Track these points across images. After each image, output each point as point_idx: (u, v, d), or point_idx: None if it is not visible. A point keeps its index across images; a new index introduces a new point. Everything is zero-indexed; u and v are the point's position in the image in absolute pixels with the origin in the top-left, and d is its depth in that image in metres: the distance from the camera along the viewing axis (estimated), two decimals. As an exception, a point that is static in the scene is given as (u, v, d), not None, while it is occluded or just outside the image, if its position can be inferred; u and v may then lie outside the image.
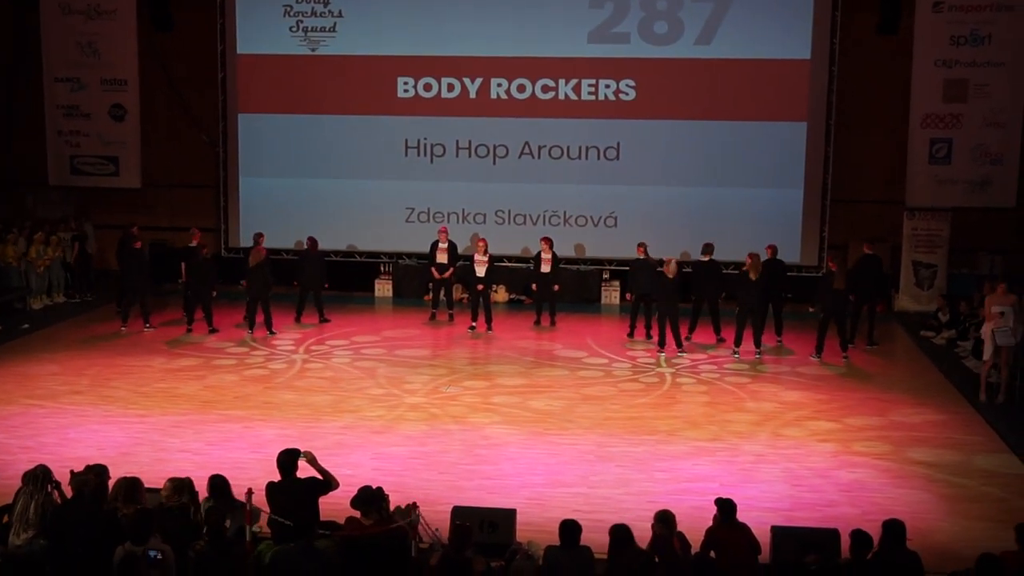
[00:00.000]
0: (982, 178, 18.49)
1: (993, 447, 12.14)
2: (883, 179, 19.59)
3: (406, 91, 19.93)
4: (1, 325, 16.95)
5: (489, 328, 17.33)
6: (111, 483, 8.59)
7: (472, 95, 19.83)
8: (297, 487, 8.58)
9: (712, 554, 8.27)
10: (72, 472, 8.73)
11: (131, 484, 8.43)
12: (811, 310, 15.96)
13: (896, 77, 19.00)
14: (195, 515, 8.42)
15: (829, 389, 14.31)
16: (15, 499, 8.67)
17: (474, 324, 17.43)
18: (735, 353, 15.94)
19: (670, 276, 15.91)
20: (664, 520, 8.16)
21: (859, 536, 7.82)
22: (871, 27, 19.03)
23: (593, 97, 19.56)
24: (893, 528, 7.84)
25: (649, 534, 8.18)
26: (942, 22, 18.20)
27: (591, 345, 16.52)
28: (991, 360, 13.89)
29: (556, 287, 17.76)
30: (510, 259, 19.38)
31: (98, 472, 8.59)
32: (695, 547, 8.29)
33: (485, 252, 17.53)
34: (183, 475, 8.79)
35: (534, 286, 17.79)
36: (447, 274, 18.02)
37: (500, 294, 19.35)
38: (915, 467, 11.42)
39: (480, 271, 17.47)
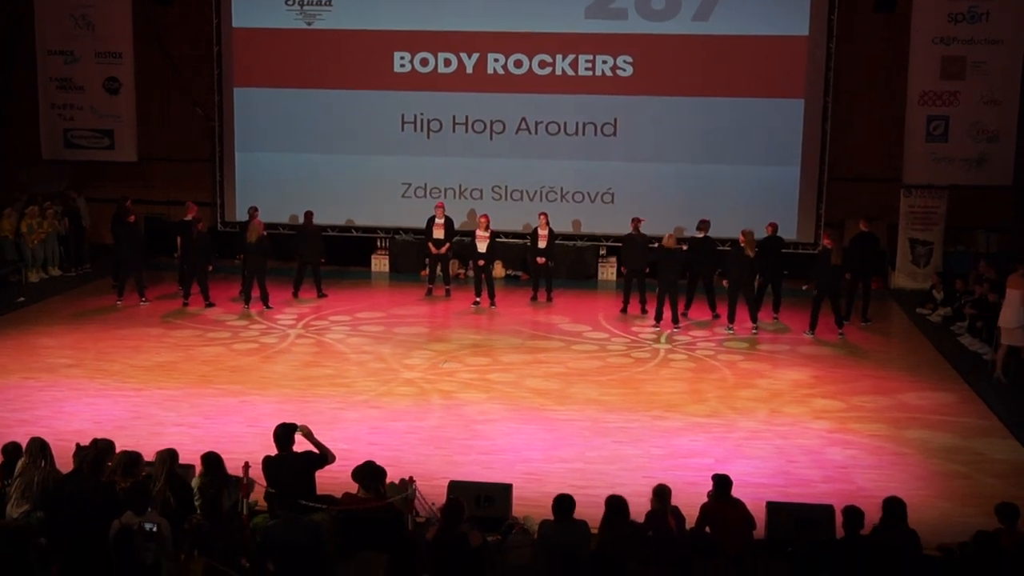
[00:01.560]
0: (979, 156, 18.48)
1: (988, 425, 12.17)
2: (880, 156, 19.55)
3: (403, 66, 19.86)
4: (-4, 299, 16.96)
5: (492, 303, 17.34)
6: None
7: (469, 70, 19.75)
8: (293, 461, 8.61)
9: (707, 529, 8.32)
10: (77, 445, 8.75)
11: (131, 458, 8.44)
12: (804, 288, 15.99)
13: (893, 54, 18.96)
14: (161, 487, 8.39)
15: (825, 366, 14.34)
16: (5, 472, 8.70)
17: (478, 300, 17.44)
18: (729, 328, 15.98)
19: (670, 248, 15.95)
20: (658, 495, 8.20)
21: (851, 512, 7.83)
22: (869, 4, 18.93)
23: (590, 73, 19.49)
24: (894, 506, 7.86)
25: (645, 508, 8.22)
26: (940, -1, 18.18)
27: (590, 320, 16.52)
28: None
29: (541, 260, 17.65)
30: (507, 235, 19.32)
31: (99, 446, 8.60)
32: (690, 522, 8.33)
33: (487, 228, 17.51)
34: (180, 448, 8.82)
35: (540, 260, 17.72)
36: (443, 249, 18.00)
37: (497, 269, 19.33)
38: (910, 445, 11.45)
39: (482, 247, 17.45)
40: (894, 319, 17.40)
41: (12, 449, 8.83)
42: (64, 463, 8.74)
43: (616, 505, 7.94)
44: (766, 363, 14.48)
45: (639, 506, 8.20)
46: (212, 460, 8.70)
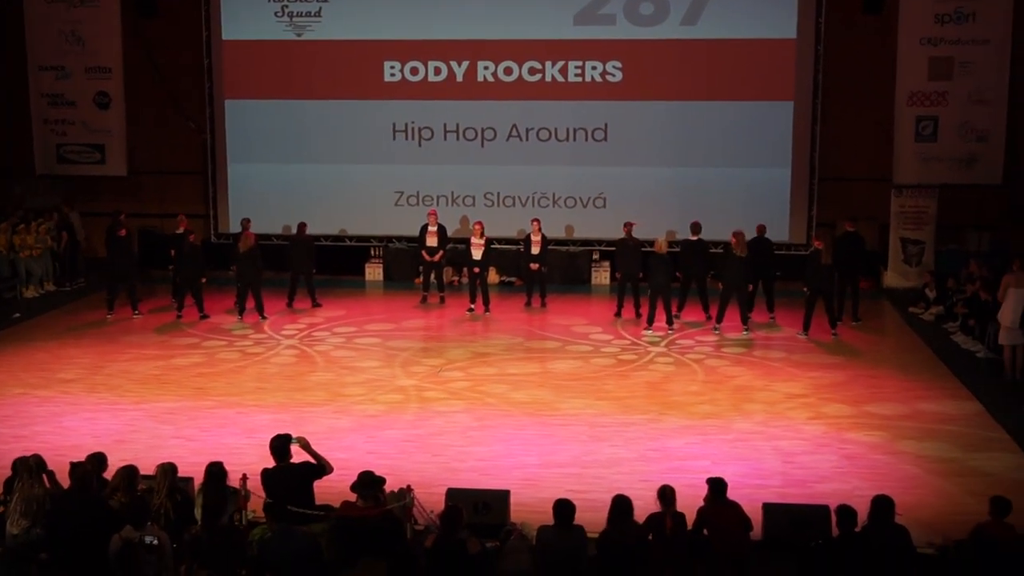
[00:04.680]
0: (968, 155, 18.56)
1: (982, 422, 12.24)
2: (870, 157, 19.64)
3: (393, 75, 19.91)
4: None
5: (487, 310, 17.39)
6: (111, 471, 8.67)
7: (459, 78, 19.82)
8: (292, 472, 8.64)
9: (705, 532, 8.36)
10: (72, 463, 8.78)
11: (129, 472, 8.49)
12: (805, 290, 16.01)
13: (882, 55, 19.03)
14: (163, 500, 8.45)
15: (819, 367, 14.38)
16: (6, 488, 8.74)
17: (472, 306, 17.49)
18: (716, 329, 16.06)
19: (661, 252, 16.02)
20: (661, 496, 8.27)
21: (844, 511, 7.92)
22: (856, 6, 19.05)
23: (580, 79, 19.57)
24: (881, 503, 7.93)
25: (643, 512, 8.27)
26: (927, 0, 18.24)
27: (585, 325, 16.57)
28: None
29: (535, 266, 17.68)
30: (500, 241, 19.37)
31: (95, 461, 8.66)
32: (688, 525, 8.37)
33: (482, 235, 17.57)
34: (178, 461, 8.86)
35: (534, 266, 17.76)
36: (437, 257, 18.05)
37: (491, 276, 19.34)
38: (905, 443, 11.51)
39: (477, 254, 17.50)
40: (887, 318, 17.48)
41: (20, 463, 8.84)
42: (64, 479, 8.77)
43: (621, 505, 7.99)
44: (758, 365, 14.52)
45: (637, 509, 8.23)
46: (213, 471, 8.74)
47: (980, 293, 15.57)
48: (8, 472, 8.84)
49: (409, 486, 8.86)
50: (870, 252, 18.63)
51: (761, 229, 17.08)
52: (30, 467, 8.57)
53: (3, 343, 15.64)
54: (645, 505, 8.42)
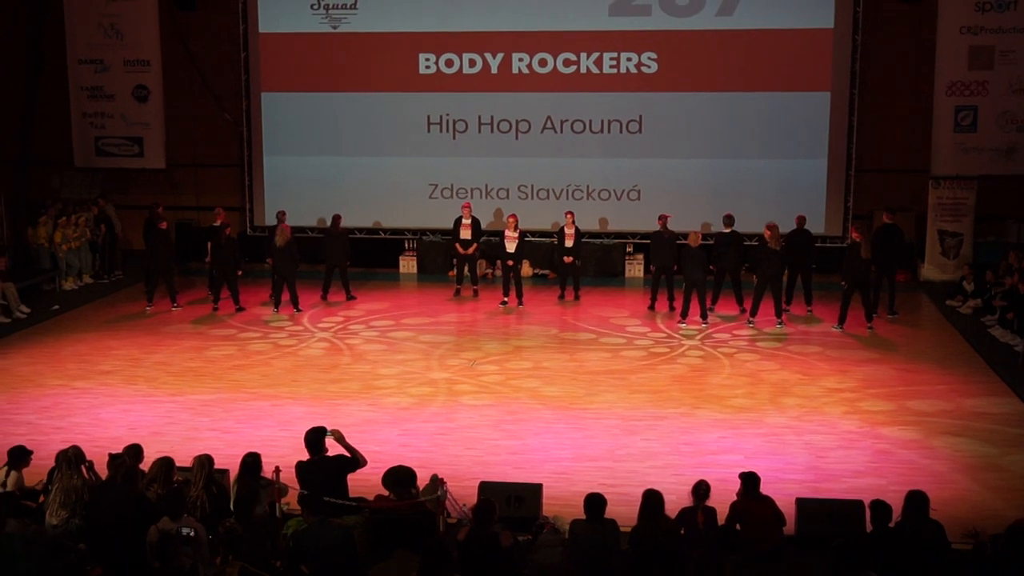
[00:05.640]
0: (1008, 145, 18.36)
1: (1020, 419, 12.10)
2: (908, 148, 19.46)
3: (428, 67, 19.95)
4: (32, 307, 17.11)
5: (520, 303, 17.40)
6: (147, 463, 8.78)
7: (494, 70, 19.82)
8: (325, 465, 8.71)
9: (738, 527, 8.34)
10: (110, 454, 8.90)
11: (166, 464, 8.60)
12: (843, 284, 15.90)
13: (920, 45, 18.86)
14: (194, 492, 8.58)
15: (854, 361, 14.28)
16: (49, 479, 8.87)
17: (506, 299, 17.51)
18: (750, 322, 15.99)
19: (693, 246, 15.97)
20: (695, 492, 8.28)
21: (879, 506, 7.89)
22: (895, -6, 18.90)
23: (615, 70, 19.52)
24: (916, 499, 7.90)
25: (675, 506, 8.26)
26: (967, -12, 18.06)
27: (619, 318, 16.55)
28: None
29: (568, 259, 17.64)
30: (533, 234, 19.36)
31: (132, 453, 8.77)
32: (722, 520, 8.36)
33: (515, 228, 17.56)
34: (214, 453, 8.96)
35: (567, 259, 17.73)
36: (471, 250, 18.08)
37: (524, 269, 19.36)
38: (940, 439, 11.41)
39: (510, 247, 17.50)
40: (924, 312, 17.31)
41: (61, 455, 8.96)
42: (101, 470, 8.89)
43: (652, 500, 8.00)
44: (793, 359, 14.44)
45: (670, 504, 8.23)
46: (248, 463, 8.83)
47: (1019, 286, 15.39)
48: (48, 463, 8.98)
49: (442, 479, 8.89)
50: (908, 244, 18.45)
51: (801, 220, 16.96)
52: (69, 458, 8.70)
53: (43, 335, 15.84)
54: (678, 499, 8.45)
